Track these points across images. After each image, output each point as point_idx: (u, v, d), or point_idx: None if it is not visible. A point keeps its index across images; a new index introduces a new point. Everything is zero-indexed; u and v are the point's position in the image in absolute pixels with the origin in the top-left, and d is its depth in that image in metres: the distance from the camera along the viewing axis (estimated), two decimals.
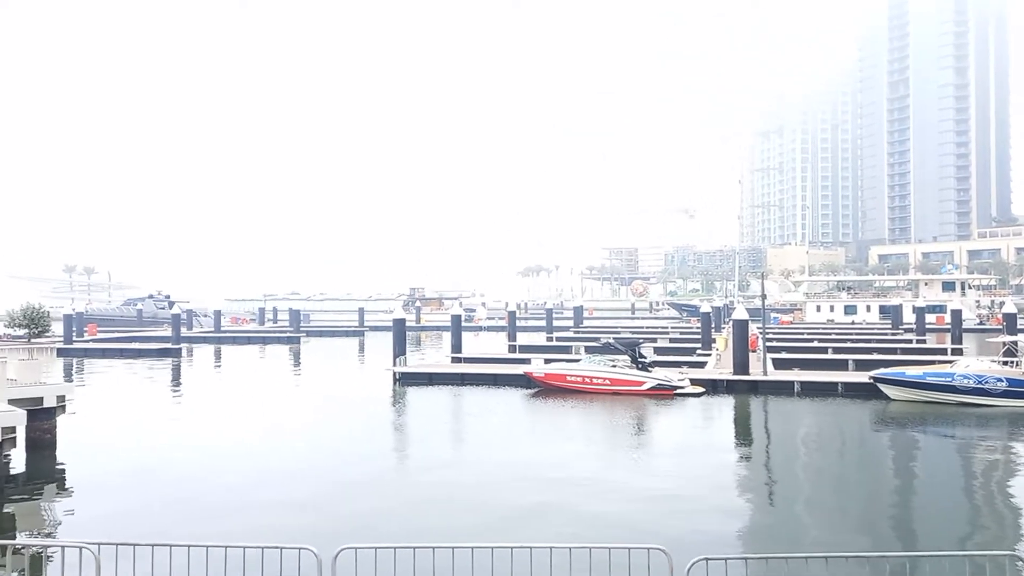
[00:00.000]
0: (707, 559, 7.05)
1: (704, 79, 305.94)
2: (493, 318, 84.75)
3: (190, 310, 74.64)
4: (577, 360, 33.87)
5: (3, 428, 15.67)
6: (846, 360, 36.95)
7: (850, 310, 78.57)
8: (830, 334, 57.58)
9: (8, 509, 14.84)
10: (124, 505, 14.74)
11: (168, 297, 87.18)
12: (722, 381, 30.91)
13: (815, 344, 49.04)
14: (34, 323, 45.06)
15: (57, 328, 54.43)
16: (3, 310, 46.99)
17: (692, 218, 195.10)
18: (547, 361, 33.93)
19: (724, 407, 27.65)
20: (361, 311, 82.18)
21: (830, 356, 40.82)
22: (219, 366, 46.80)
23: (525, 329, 71.32)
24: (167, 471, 17.80)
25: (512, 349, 48.25)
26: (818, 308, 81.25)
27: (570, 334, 60.61)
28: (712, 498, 15.24)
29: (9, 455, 16.83)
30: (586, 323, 74.79)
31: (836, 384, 29.65)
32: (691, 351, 43.28)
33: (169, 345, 52.46)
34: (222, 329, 70.75)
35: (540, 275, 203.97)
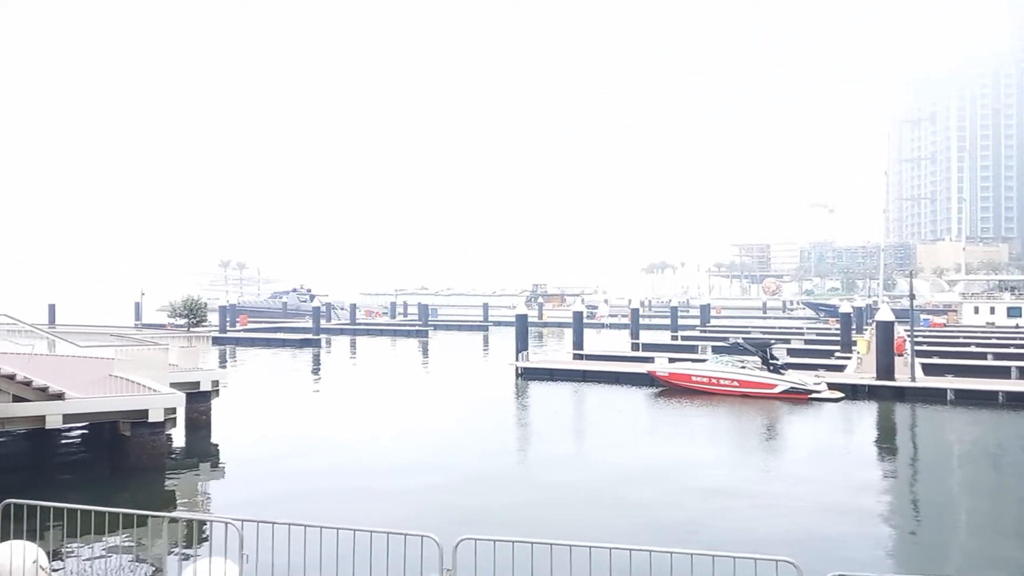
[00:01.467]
0: None
1: (836, 64, 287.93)
2: (616, 315, 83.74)
3: (328, 303, 79.08)
4: (703, 360, 32.84)
5: (165, 409, 17.27)
6: (1009, 367, 33.39)
7: (1014, 312, 70.91)
8: (990, 339, 52.22)
9: (169, 484, 16.40)
10: (267, 485, 15.89)
11: (310, 291, 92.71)
12: (863, 386, 28.88)
13: (972, 349, 44.69)
14: (193, 314, 49.44)
15: (213, 318, 59.49)
16: (168, 302, 51.92)
17: (832, 213, 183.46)
18: (671, 360, 33.12)
19: (866, 414, 25.85)
20: (485, 306, 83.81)
21: (990, 363, 37.03)
22: (354, 357, 49.33)
23: (649, 327, 70.01)
24: (305, 454, 19.01)
25: (635, 347, 47.51)
26: (976, 310, 73.96)
27: (696, 333, 58.84)
28: (849, 509, 14.28)
29: (170, 434, 18.56)
30: (713, 322, 72.34)
31: (997, 393, 26.93)
32: (828, 354, 40.73)
33: (310, 336, 55.90)
34: (357, 321, 74.50)
35: (665, 272, 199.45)
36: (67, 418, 16.72)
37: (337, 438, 21.46)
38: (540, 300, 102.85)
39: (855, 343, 40.14)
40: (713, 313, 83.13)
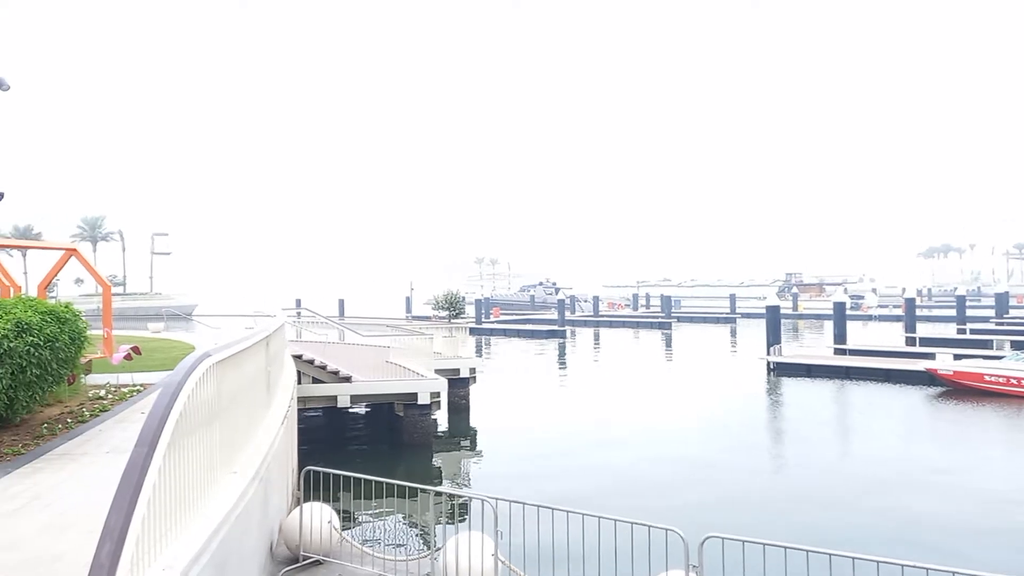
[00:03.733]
0: None
1: None
2: (886, 306, 75.13)
3: (572, 296, 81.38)
4: (1000, 357, 28.22)
5: (431, 393, 19.11)
6: None
7: None
8: None
9: (436, 461, 18.12)
10: (518, 467, 16.87)
11: (555, 284, 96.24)
12: None
13: None
14: (453, 306, 54.05)
15: (470, 311, 64.47)
16: (431, 296, 57.18)
17: None
18: (957, 357, 28.92)
19: None
20: (732, 297, 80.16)
21: None
22: (598, 348, 50.20)
23: (928, 319, 61.80)
24: (553, 441, 19.82)
25: (910, 342, 42.20)
26: None
27: (990, 326, 50.67)
28: None
29: (435, 417, 20.47)
30: (1013, 313, 61.70)
31: None
32: None
33: (555, 327, 58.02)
34: (600, 313, 75.70)
35: (948, 256, 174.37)
36: (354, 399, 19.26)
37: (583, 426, 22.02)
38: (795, 290, 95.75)
39: None
40: (1014, 303, 71.00)
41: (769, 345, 33.88)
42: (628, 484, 15.34)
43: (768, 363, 32.92)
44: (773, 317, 35.09)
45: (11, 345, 9.11)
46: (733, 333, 59.96)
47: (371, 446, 20.14)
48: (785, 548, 6.63)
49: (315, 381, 19.27)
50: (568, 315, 67.08)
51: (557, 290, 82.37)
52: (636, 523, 7.03)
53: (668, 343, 51.34)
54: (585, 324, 68.39)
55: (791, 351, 36.35)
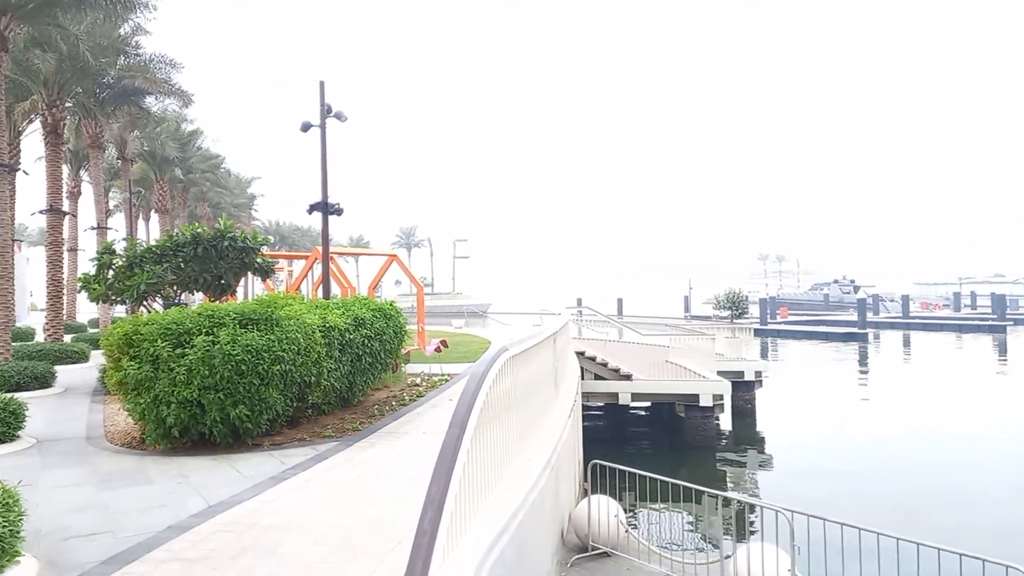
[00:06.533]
0: None
1: None
2: None
3: (876, 295, 72.99)
4: None
5: (714, 395, 18.52)
6: None
7: None
8: None
9: (719, 465, 17.50)
10: (812, 479, 15.55)
11: (853, 282, 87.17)
12: None
13: None
14: (735, 306, 51.91)
15: (753, 311, 61.13)
16: (712, 295, 55.42)
17: None
18: None
19: None
20: None
21: None
22: (908, 354, 44.36)
23: None
24: (851, 454, 17.94)
25: None
26: None
27: None
28: None
29: (718, 419, 19.78)
30: None
31: None
32: None
33: (855, 330, 52.51)
34: (910, 315, 66.76)
35: None
36: (634, 396, 19.44)
37: (887, 441, 19.60)
38: None
39: None
40: None
41: None
42: (945, 505, 13.28)
43: None
44: None
45: (351, 337, 10.78)
46: None
47: (652, 445, 20.12)
48: None
49: (596, 378, 19.82)
50: (871, 316, 60.31)
51: (856, 288, 74.54)
52: (965, 555, 6.06)
53: (1002, 350, 43.47)
54: (892, 326, 60.86)
55: None
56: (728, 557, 7.45)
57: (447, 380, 14.38)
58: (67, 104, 24.21)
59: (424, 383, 14.00)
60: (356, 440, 9.09)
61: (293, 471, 7.56)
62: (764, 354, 43.12)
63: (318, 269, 20.57)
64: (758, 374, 22.69)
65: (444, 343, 16.24)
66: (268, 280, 18.81)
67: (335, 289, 20.60)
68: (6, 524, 4.69)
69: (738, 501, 12.68)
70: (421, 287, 21.85)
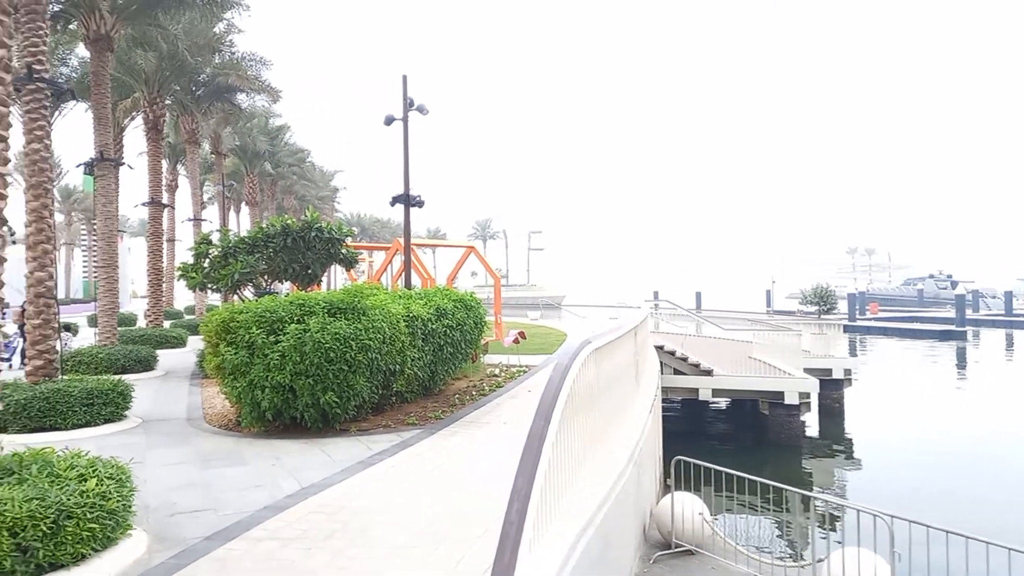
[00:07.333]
0: None
1: None
2: None
3: (975, 291, 68.69)
4: None
5: (800, 393, 17.85)
6: None
7: None
8: None
9: (805, 465, 16.88)
10: (908, 482, 14.78)
11: (950, 277, 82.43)
12: None
13: None
14: (823, 301, 49.72)
15: (842, 306, 58.55)
16: (798, 290, 53.51)
17: None
18: None
19: None
20: None
21: None
22: (1010, 354, 41.61)
23: None
24: (950, 457, 16.97)
25: None
26: None
27: None
28: None
29: (804, 418, 19.07)
30: None
31: None
32: None
33: (952, 327, 49.62)
34: (1014, 312, 62.53)
35: None
36: (715, 392, 18.98)
37: (989, 446, 18.44)
38: None
39: None
40: None
41: None
42: None
43: None
44: None
45: (433, 327, 10.93)
46: None
47: (734, 442, 19.61)
48: None
49: (675, 373, 19.45)
50: (970, 313, 56.83)
51: (954, 284, 70.41)
52: None
53: None
54: (993, 324, 57.21)
55: None
56: (820, 561, 7.16)
57: (525, 371, 14.41)
58: (166, 101, 25.52)
59: (503, 374, 14.08)
60: (439, 428, 9.22)
61: (380, 456, 7.74)
62: (853, 351, 41.35)
63: (398, 260, 21.00)
64: (847, 372, 21.76)
65: (523, 334, 16.28)
66: (351, 271, 19.33)
67: (416, 280, 20.97)
68: (120, 499, 4.98)
69: (829, 502, 12.18)
70: (498, 278, 21.96)
